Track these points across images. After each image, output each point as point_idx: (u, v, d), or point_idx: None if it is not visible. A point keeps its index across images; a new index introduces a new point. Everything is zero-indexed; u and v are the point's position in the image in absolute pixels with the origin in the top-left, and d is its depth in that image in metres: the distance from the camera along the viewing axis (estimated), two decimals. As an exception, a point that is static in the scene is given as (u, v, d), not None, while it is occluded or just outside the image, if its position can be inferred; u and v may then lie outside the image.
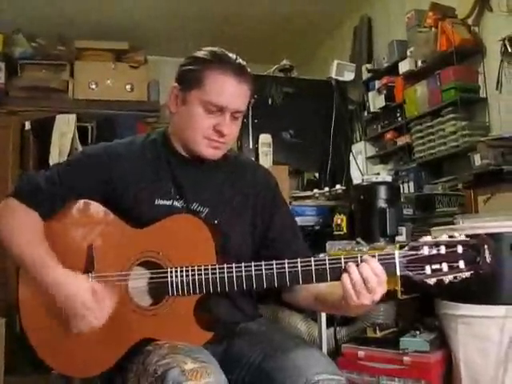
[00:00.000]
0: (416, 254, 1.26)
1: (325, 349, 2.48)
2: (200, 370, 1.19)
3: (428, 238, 1.27)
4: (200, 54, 1.46)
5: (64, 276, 1.33)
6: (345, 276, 1.26)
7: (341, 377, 1.29)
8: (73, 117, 4.58)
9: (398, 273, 1.26)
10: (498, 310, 2.10)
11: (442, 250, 1.25)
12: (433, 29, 3.43)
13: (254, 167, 1.64)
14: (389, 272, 1.27)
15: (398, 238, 2.54)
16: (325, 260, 1.29)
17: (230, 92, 1.41)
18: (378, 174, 3.11)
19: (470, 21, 3.32)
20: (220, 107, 1.41)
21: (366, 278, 1.24)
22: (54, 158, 4.34)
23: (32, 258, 1.36)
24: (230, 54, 1.46)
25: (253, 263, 1.32)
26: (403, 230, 2.58)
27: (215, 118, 1.42)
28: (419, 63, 3.65)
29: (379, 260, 1.26)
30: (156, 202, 1.45)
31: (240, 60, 1.46)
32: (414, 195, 3.28)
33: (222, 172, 1.54)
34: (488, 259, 1.23)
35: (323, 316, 2.48)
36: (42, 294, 1.36)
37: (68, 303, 1.31)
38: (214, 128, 1.42)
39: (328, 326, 2.57)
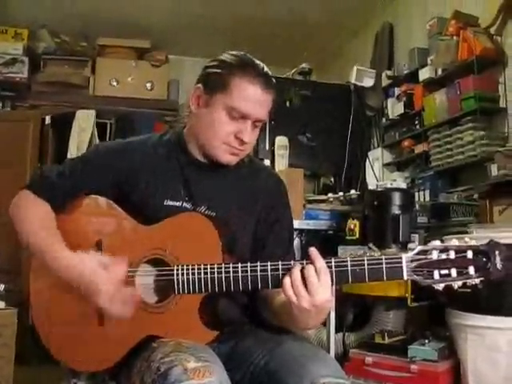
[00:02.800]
0: (424, 259, 1.23)
1: (333, 353, 2.48)
2: (202, 369, 1.18)
3: (437, 243, 1.25)
4: (227, 57, 1.44)
5: (71, 257, 1.34)
6: (286, 277, 1.25)
7: (346, 380, 1.28)
8: (92, 113, 4.63)
9: (405, 277, 1.23)
10: (509, 322, 2.08)
11: (452, 255, 1.22)
12: (454, 37, 3.41)
13: (266, 173, 1.63)
14: (396, 276, 1.25)
15: (410, 245, 2.52)
16: (347, 261, 1.27)
17: (255, 100, 1.40)
18: (395, 180, 3.09)
19: (492, 30, 3.29)
20: (244, 114, 1.40)
21: (307, 277, 1.22)
22: (73, 153, 4.39)
23: (43, 244, 1.38)
24: (257, 62, 1.44)
25: (259, 263, 1.31)
26: (416, 237, 2.57)
27: (237, 124, 1.41)
28: (439, 71, 3.63)
29: (386, 264, 1.24)
30: (165, 203, 1.45)
31: (266, 68, 1.43)
32: (429, 203, 3.26)
33: (232, 176, 1.52)
34: (499, 266, 1.20)
35: (332, 320, 2.47)
36: (53, 284, 1.37)
37: (82, 280, 1.31)
38: (234, 135, 1.42)
39: (337, 331, 2.57)
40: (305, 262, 1.27)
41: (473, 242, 1.23)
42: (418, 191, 3.53)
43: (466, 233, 2.45)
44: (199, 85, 1.45)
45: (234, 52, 1.46)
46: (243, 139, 1.41)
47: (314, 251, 1.26)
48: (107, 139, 4.61)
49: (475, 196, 3.08)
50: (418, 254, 1.24)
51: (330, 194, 3.09)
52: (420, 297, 2.30)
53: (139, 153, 1.50)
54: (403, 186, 2.72)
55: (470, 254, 1.21)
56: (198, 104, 1.45)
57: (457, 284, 1.22)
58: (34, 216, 1.43)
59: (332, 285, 1.26)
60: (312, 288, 1.22)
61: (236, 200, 1.51)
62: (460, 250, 1.22)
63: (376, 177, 3.70)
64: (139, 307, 1.36)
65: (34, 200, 1.45)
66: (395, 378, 2.28)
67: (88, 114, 4.61)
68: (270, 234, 1.53)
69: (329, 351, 2.44)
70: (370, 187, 3.17)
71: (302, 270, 1.24)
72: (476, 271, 1.21)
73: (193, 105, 1.46)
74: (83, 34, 4.97)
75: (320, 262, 1.24)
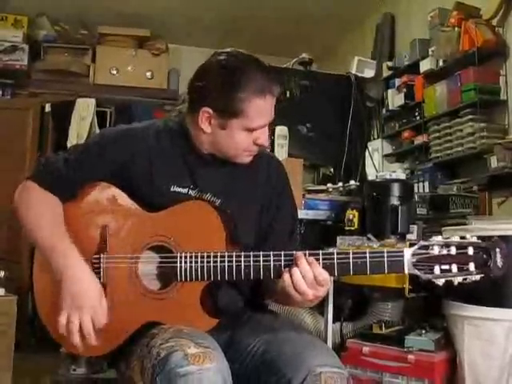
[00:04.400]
0: (426, 253, 1.24)
1: (330, 343, 2.49)
2: (203, 355, 1.20)
3: (439, 238, 1.26)
4: (227, 73, 1.39)
5: (78, 269, 1.35)
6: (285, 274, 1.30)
7: (343, 370, 1.30)
8: (92, 101, 4.63)
9: (406, 271, 1.25)
10: (506, 314, 2.10)
11: (453, 250, 1.23)
12: (456, 28, 3.40)
13: (267, 158, 1.64)
14: (397, 269, 1.27)
15: (409, 237, 2.53)
16: (349, 253, 1.30)
17: (269, 109, 1.43)
18: (394, 171, 3.10)
19: (494, 21, 3.28)
20: (261, 127, 1.43)
21: (296, 281, 1.28)
22: (72, 141, 4.39)
23: (48, 242, 1.37)
24: (256, 66, 1.41)
25: (261, 253, 1.33)
26: (414, 228, 2.58)
27: (255, 134, 1.43)
28: (440, 63, 3.62)
29: (387, 257, 1.26)
30: (172, 189, 1.46)
31: (266, 65, 1.43)
32: (429, 195, 3.27)
33: (234, 165, 1.52)
34: (499, 263, 1.21)
35: (330, 310, 2.49)
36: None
37: (76, 297, 1.33)
38: (254, 142, 1.44)
39: (334, 320, 2.58)
40: (307, 252, 1.29)
41: (474, 239, 1.24)
42: (418, 182, 3.54)
43: (465, 224, 2.46)
44: (208, 109, 1.40)
45: (230, 60, 1.42)
46: (263, 144, 1.46)
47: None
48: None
49: (474, 188, 3.09)
50: (419, 248, 1.25)
51: (329, 185, 3.09)
52: (417, 288, 2.31)
53: (144, 140, 1.50)
54: (402, 177, 2.72)
55: (471, 251, 1.23)
56: (209, 124, 1.43)
57: (457, 280, 1.23)
58: (41, 211, 1.42)
59: (333, 276, 1.29)
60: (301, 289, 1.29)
61: (239, 189, 1.52)
62: (461, 246, 1.23)
63: (375, 168, 3.71)
64: (141, 293, 1.38)
65: (41, 192, 1.44)
66: (392, 367, 2.30)
67: (88, 102, 4.60)
68: (273, 223, 1.55)
69: (326, 341, 2.46)
70: (370, 178, 3.18)
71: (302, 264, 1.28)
72: (476, 268, 1.22)
73: (203, 124, 1.43)
74: (83, 22, 4.94)
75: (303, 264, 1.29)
